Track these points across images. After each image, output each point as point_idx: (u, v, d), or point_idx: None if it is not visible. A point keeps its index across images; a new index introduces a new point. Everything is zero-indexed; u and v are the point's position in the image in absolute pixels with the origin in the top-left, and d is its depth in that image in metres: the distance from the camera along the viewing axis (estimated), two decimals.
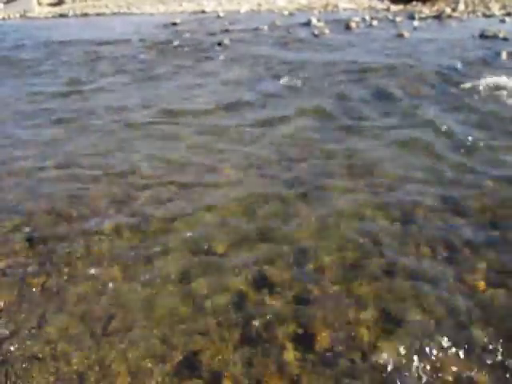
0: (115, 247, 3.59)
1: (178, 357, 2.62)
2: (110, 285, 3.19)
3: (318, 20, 14.46)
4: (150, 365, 2.58)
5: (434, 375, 2.42)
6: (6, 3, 30.09)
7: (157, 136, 5.84)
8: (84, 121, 6.61)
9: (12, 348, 2.72)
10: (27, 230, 3.88)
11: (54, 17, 24.06)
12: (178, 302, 3.00)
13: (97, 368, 2.58)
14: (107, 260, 3.44)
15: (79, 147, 5.61)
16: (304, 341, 2.66)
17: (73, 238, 3.71)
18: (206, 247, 3.53)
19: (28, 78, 9.72)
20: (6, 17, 26.31)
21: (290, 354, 2.58)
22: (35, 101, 7.83)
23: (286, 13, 17.63)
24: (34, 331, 2.84)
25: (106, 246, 3.60)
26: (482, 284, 3.04)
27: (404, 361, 2.48)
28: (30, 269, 3.38)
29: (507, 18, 13.15)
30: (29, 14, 25.48)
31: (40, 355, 2.68)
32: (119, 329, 2.82)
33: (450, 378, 2.40)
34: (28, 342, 2.76)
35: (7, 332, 2.83)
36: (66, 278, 3.28)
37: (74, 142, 5.83)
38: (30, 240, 3.72)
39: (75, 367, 2.58)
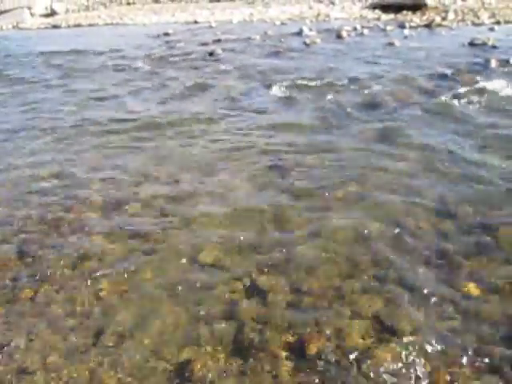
0: (106, 258, 3.57)
1: (170, 368, 2.60)
2: (101, 296, 3.17)
3: (310, 29, 14.53)
4: (141, 376, 2.56)
5: (428, 382, 2.41)
6: None
7: (147, 146, 5.84)
8: (74, 130, 6.60)
9: (1, 361, 2.68)
10: (17, 240, 3.85)
11: (46, 28, 24.05)
12: (170, 313, 2.98)
13: (88, 381, 2.55)
14: (98, 271, 3.42)
15: (70, 157, 5.60)
16: (296, 349, 2.65)
17: (63, 249, 3.69)
18: (197, 257, 3.51)
19: (22, 88, 9.71)
20: None
21: (283, 363, 2.57)
22: (26, 111, 7.81)
23: (277, 23, 17.71)
24: (23, 344, 2.81)
25: (96, 257, 3.58)
26: (474, 289, 3.04)
27: (397, 368, 2.47)
28: (19, 281, 3.36)
29: (496, 27, 13.28)
30: (21, 25, 25.48)
31: (29, 368, 2.65)
32: (110, 340, 2.80)
33: None
34: (17, 355, 2.73)
35: None
36: (56, 289, 3.25)
37: (65, 151, 5.81)
38: (19, 251, 3.70)
39: (66, 380, 2.56)
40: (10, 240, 3.87)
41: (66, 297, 3.18)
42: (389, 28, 14.22)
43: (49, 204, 4.45)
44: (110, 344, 2.77)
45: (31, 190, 4.76)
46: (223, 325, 2.86)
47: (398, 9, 17.71)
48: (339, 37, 13.20)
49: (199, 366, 2.58)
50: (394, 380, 2.42)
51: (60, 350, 2.75)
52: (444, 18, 15.18)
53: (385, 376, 2.44)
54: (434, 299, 2.96)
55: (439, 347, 2.59)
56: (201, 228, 3.91)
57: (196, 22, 20.05)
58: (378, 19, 16.70)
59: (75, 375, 2.58)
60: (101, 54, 13.42)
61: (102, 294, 3.20)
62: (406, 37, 12.72)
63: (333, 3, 21.83)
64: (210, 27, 17.74)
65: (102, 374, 2.58)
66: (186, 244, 3.67)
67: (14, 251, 3.71)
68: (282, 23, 17.59)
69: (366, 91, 7.60)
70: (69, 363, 2.66)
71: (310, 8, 21.10)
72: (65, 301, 3.15)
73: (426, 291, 3.03)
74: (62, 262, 3.53)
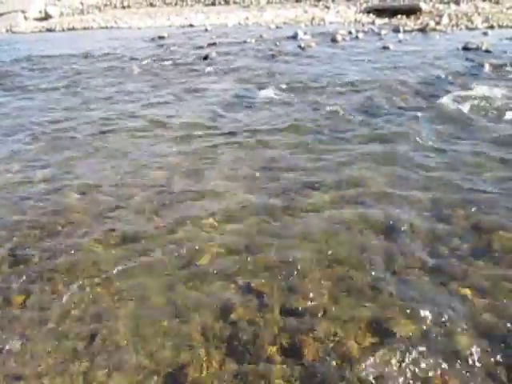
0: (100, 262, 3.54)
1: (164, 372, 2.59)
2: (95, 300, 3.15)
3: (305, 33, 14.54)
4: (136, 381, 2.54)
5: None
6: None
7: (141, 149, 5.82)
8: (67, 134, 6.57)
9: None
10: (10, 245, 3.82)
11: (40, 31, 23.97)
12: (164, 317, 2.97)
13: None
14: (91, 275, 3.39)
15: (63, 160, 5.57)
16: (291, 353, 2.64)
17: (56, 254, 3.66)
18: (191, 260, 3.50)
19: (15, 91, 9.66)
20: None
21: (278, 367, 2.55)
22: (19, 116, 7.77)
23: (273, 26, 17.71)
24: (16, 350, 2.78)
25: (90, 261, 3.55)
26: (469, 293, 3.04)
27: (392, 372, 2.46)
28: (12, 286, 3.32)
29: (489, 31, 13.35)
30: (15, 29, 25.38)
31: (22, 374, 2.62)
32: (104, 345, 2.77)
33: None
34: (10, 361, 2.70)
35: None
36: (49, 294, 3.23)
37: (58, 155, 5.78)
38: (12, 256, 3.67)
39: None
40: (2, 244, 3.84)
41: (59, 301, 3.15)
42: (383, 32, 14.28)
43: (41, 208, 4.42)
44: (104, 349, 2.75)
45: (23, 194, 4.73)
46: (218, 328, 2.84)
47: (392, 13, 17.78)
48: (334, 40, 13.22)
49: (194, 370, 2.56)
50: None
51: (53, 355, 2.72)
52: (438, 23, 15.24)
53: (379, 379, 2.42)
54: (428, 302, 2.95)
55: (433, 350, 2.58)
56: (195, 231, 3.89)
57: (191, 26, 20.01)
58: (373, 23, 16.75)
59: (69, 381, 2.56)
60: (95, 57, 13.38)
61: (95, 298, 3.17)
62: (400, 41, 12.77)
63: (327, 7, 21.88)
64: (205, 31, 17.71)
65: (96, 379, 2.56)
66: (180, 247, 3.65)
67: (6, 255, 3.68)
68: (277, 27, 17.59)
69: (360, 94, 7.61)
70: (62, 368, 2.63)
71: (305, 12, 21.14)
72: (58, 305, 3.12)
73: (420, 294, 3.03)
74: (54, 267, 3.50)
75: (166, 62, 11.77)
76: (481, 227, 3.73)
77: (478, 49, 10.70)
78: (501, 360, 2.52)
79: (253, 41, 14.07)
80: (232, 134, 6.17)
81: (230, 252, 3.58)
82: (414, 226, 3.78)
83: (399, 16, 17.44)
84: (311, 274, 3.27)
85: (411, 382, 2.42)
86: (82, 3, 29.87)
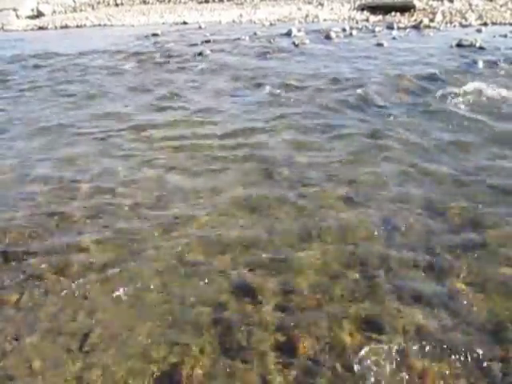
0: (93, 261, 3.52)
1: (158, 370, 2.57)
2: (87, 299, 3.13)
3: (299, 30, 14.50)
4: (129, 380, 2.52)
5: (417, 381, 2.40)
6: None
7: (134, 149, 5.78)
8: (60, 133, 6.51)
9: None
10: (1, 244, 3.78)
11: (33, 30, 23.76)
12: (158, 314, 2.95)
13: None
14: (84, 274, 3.37)
15: (57, 160, 5.52)
16: (286, 350, 2.63)
17: (49, 253, 3.64)
18: (186, 258, 3.48)
19: (9, 89, 9.58)
20: None
21: (272, 364, 2.55)
22: (12, 112, 7.71)
23: (266, 24, 17.65)
24: (8, 349, 2.76)
25: (83, 260, 3.53)
26: (463, 287, 3.04)
27: (386, 367, 2.46)
28: (3, 285, 3.30)
29: (483, 28, 13.37)
30: (7, 27, 25.18)
31: (14, 373, 2.60)
32: (97, 344, 2.76)
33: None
34: (2, 360, 2.68)
35: None
36: (41, 293, 3.20)
37: (52, 154, 5.73)
38: (4, 255, 3.63)
39: None
40: None
41: (53, 300, 3.13)
42: (377, 29, 14.26)
43: (35, 207, 4.39)
44: (97, 348, 2.73)
45: (17, 193, 4.69)
46: (212, 326, 2.83)
47: (386, 10, 17.77)
48: (328, 37, 13.19)
49: (188, 369, 2.55)
50: (383, 379, 2.40)
51: (46, 355, 2.70)
52: (432, 20, 15.24)
53: (374, 375, 2.42)
54: (422, 298, 2.96)
55: (428, 346, 2.58)
56: (189, 228, 3.88)
57: (185, 23, 19.88)
58: (367, 20, 16.73)
59: (62, 380, 2.54)
60: (88, 55, 13.28)
61: (88, 297, 3.15)
62: (394, 38, 12.76)
63: (321, 4, 21.84)
64: (199, 28, 17.62)
65: (89, 378, 2.54)
66: (175, 245, 3.64)
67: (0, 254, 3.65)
68: (271, 24, 17.53)
69: (354, 91, 7.60)
70: (55, 368, 2.61)
71: (299, 9, 21.08)
72: (51, 304, 3.10)
73: (414, 290, 3.03)
74: (48, 266, 3.47)
75: (160, 60, 11.70)
76: (476, 223, 3.74)
77: (471, 46, 10.72)
78: (495, 355, 2.53)
79: (247, 38, 14.01)
80: (227, 132, 6.14)
81: (226, 249, 3.56)
82: (408, 222, 3.79)
83: (393, 13, 17.44)
84: (306, 270, 3.27)
85: (405, 376, 2.42)
86: (74, 1, 29.68)
